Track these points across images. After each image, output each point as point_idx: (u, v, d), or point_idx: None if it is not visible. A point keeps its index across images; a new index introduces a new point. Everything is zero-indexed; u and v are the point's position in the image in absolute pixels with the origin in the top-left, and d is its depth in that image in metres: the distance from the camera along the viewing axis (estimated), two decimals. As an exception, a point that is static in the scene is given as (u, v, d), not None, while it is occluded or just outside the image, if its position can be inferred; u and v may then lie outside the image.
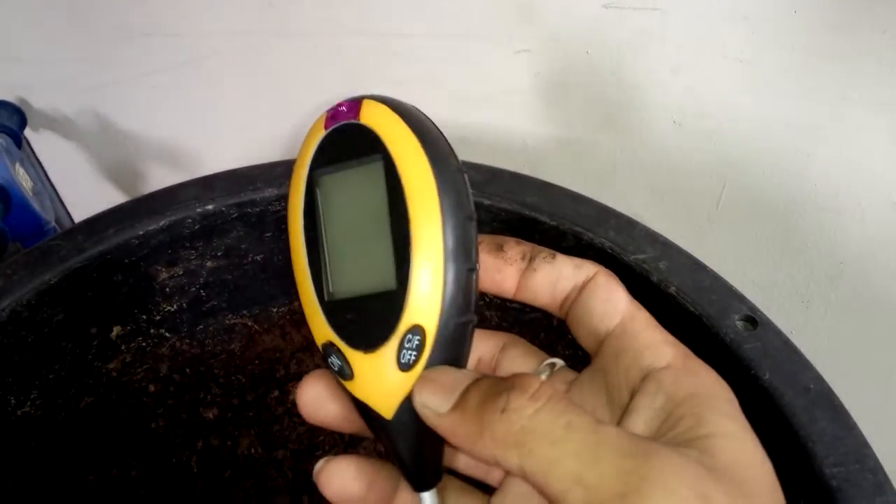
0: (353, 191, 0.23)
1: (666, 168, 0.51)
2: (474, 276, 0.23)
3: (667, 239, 0.38)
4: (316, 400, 0.25)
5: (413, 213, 0.22)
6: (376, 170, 0.23)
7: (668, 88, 0.47)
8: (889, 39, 0.39)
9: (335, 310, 0.23)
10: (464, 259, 0.22)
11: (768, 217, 0.49)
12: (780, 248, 0.50)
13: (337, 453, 0.47)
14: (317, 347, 0.24)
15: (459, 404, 0.21)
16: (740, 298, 0.35)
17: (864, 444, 0.29)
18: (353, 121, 0.23)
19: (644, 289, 0.36)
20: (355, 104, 0.24)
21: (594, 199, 0.41)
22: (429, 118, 0.24)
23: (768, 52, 0.43)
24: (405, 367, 0.22)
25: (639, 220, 0.40)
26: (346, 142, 0.24)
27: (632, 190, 0.54)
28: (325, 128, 0.24)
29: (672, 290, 0.35)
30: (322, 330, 0.24)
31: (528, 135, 0.55)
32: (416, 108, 0.24)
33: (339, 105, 0.24)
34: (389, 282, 0.22)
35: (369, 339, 0.23)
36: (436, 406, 0.21)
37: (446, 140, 0.24)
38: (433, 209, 0.22)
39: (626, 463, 0.18)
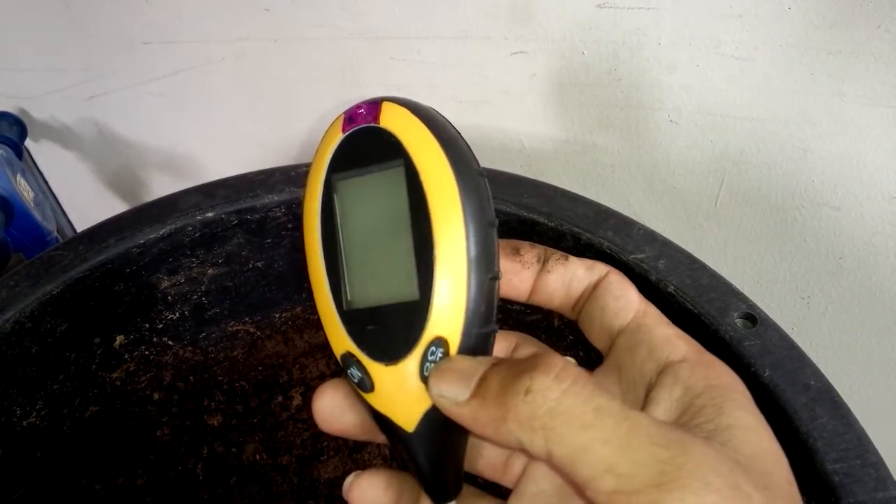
0: (374, 196, 0.23)
1: (663, 167, 0.51)
2: (496, 285, 0.22)
3: (665, 238, 0.38)
4: (332, 409, 0.25)
5: (436, 222, 0.21)
6: (398, 175, 0.22)
7: (664, 87, 0.47)
8: (883, 34, 0.39)
9: (354, 319, 0.23)
10: (486, 268, 0.22)
11: (767, 214, 0.49)
12: (779, 244, 0.50)
13: (341, 458, 0.48)
14: (333, 355, 0.23)
15: (479, 391, 0.20)
16: (739, 296, 0.35)
17: (865, 440, 0.29)
18: (372, 124, 0.23)
19: (643, 288, 0.36)
20: (374, 107, 0.23)
21: (592, 200, 0.41)
22: (448, 120, 0.23)
23: (763, 49, 0.43)
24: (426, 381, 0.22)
25: (637, 219, 0.40)
26: (366, 146, 0.23)
27: (629, 189, 0.54)
28: (343, 131, 0.23)
29: (671, 289, 0.36)
30: (341, 340, 0.23)
31: (525, 136, 0.55)
32: (435, 111, 0.23)
33: (357, 108, 0.23)
34: (412, 292, 0.22)
35: (391, 351, 0.22)
36: (453, 395, 0.21)
37: (466, 143, 0.23)
38: (456, 217, 0.21)
39: (660, 452, 0.17)
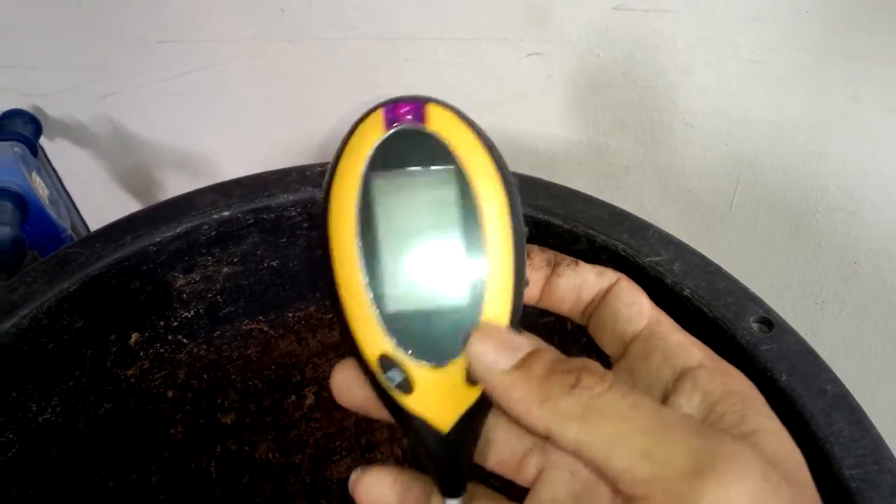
0: (421, 200, 0.23)
1: (678, 169, 0.51)
2: (524, 291, 0.23)
3: (680, 241, 0.38)
4: (350, 382, 0.25)
5: (487, 229, 0.22)
6: (447, 181, 0.22)
7: (679, 90, 0.47)
8: (902, 39, 0.39)
9: (397, 323, 0.23)
10: (522, 276, 0.23)
11: (782, 218, 0.49)
12: (794, 248, 0.50)
13: (354, 458, 0.48)
14: (361, 359, 0.23)
15: (523, 366, 0.21)
16: (755, 300, 0.35)
17: (882, 446, 0.29)
18: (418, 126, 0.23)
19: (659, 291, 0.36)
20: (419, 108, 0.23)
21: (607, 202, 0.41)
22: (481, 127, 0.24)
23: (779, 53, 0.43)
24: (474, 381, 0.22)
25: (652, 222, 0.40)
26: (412, 147, 0.23)
27: (645, 192, 0.54)
28: (385, 129, 0.23)
29: (687, 292, 0.36)
30: (378, 342, 0.23)
31: (540, 138, 0.55)
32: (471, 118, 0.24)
33: (399, 106, 0.23)
34: (461, 297, 0.22)
35: (438, 354, 0.22)
36: (494, 360, 0.21)
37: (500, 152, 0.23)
38: (505, 225, 0.22)
39: (696, 441, 0.18)
